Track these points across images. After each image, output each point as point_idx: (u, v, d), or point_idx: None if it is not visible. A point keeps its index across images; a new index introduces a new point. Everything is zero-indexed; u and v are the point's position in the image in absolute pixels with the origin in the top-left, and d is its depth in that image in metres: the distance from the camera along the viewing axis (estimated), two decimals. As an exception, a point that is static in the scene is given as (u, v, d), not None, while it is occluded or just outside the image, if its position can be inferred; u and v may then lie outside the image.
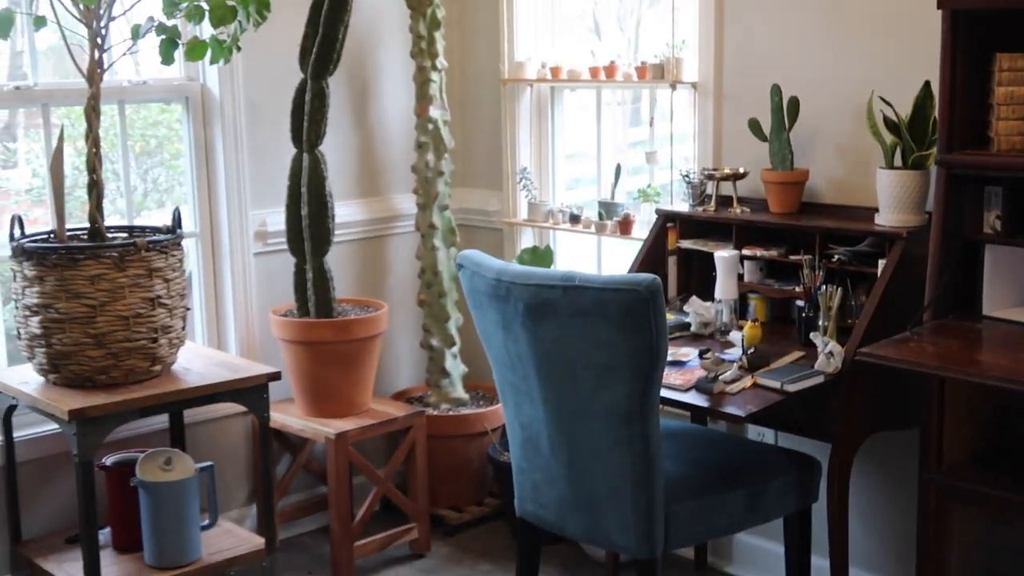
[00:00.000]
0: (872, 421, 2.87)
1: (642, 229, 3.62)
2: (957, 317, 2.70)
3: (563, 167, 4.21)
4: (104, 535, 3.26)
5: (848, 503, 2.86)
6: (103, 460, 3.26)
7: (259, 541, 3.34)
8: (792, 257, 3.10)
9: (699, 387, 2.73)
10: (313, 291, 3.68)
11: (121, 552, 3.27)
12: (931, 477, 2.64)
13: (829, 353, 2.74)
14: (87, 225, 3.17)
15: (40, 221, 3.50)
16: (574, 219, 3.91)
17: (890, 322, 2.73)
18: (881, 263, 2.88)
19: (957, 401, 2.64)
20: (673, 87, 3.60)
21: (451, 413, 3.96)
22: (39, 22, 3.16)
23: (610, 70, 3.76)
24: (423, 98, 3.92)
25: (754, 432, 3.37)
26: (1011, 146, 2.57)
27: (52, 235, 3.16)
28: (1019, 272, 2.71)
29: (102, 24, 3.07)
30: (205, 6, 3.16)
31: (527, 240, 4.15)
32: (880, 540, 3.23)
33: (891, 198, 2.92)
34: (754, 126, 3.25)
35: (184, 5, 3.16)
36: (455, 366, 4.04)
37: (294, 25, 3.65)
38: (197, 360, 3.37)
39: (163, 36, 3.14)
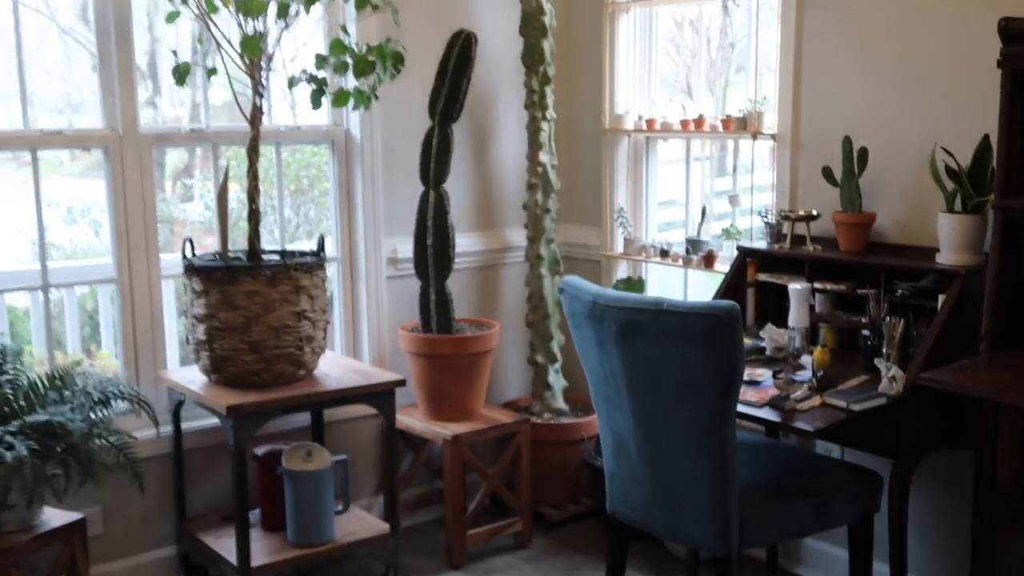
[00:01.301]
0: (930, 440, 2.79)
1: (724, 264, 3.59)
2: (1010, 349, 2.61)
3: (655, 211, 4.19)
4: (254, 515, 3.33)
5: (907, 515, 2.79)
6: (255, 450, 3.33)
7: (384, 527, 3.39)
8: (859, 291, 3.04)
9: (772, 404, 2.69)
10: (435, 311, 3.72)
11: (268, 530, 3.34)
12: (984, 494, 2.58)
13: (892, 377, 2.69)
14: (246, 248, 3.26)
15: (210, 246, 3.59)
16: (664, 253, 3.89)
17: (948, 352, 2.67)
18: (941, 298, 2.81)
19: (1009, 426, 2.57)
20: (755, 138, 3.57)
21: (552, 422, 3.96)
22: (211, 72, 3.28)
23: (699, 123, 3.74)
24: (534, 144, 3.95)
25: (822, 447, 3.30)
26: (1065, 194, 2.49)
27: (217, 256, 3.25)
28: (1070, 309, 2.62)
29: (263, 75, 3.16)
30: (349, 60, 3.24)
31: (622, 271, 4.14)
32: (936, 550, 3.14)
33: (951, 239, 2.85)
34: (827, 173, 3.20)
35: (332, 59, 3.25)
36: (557, 380, 4.04)
37: (425, 78, 3.70)
38: (336, 367, 3.43)
39: (313, 86, 3.23)
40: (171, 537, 3.48)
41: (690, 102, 3.96)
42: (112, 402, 3.00)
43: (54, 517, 2.95)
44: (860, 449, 2.97)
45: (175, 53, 3.15)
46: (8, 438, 2.66)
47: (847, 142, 3.13)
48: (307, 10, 3.14)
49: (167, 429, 3.38)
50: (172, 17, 3.10)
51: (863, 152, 3.13)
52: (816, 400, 2.69)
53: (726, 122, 3.64)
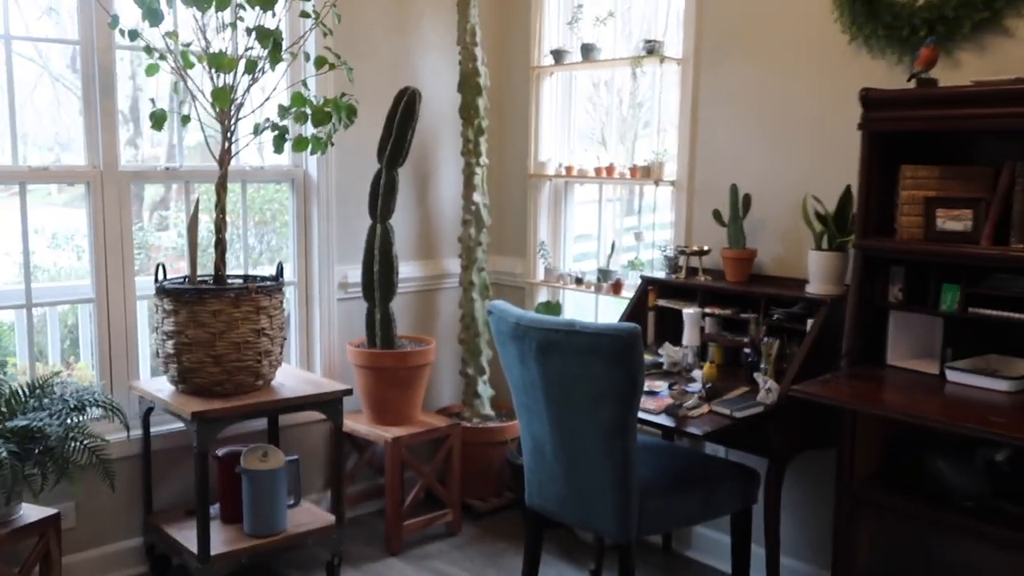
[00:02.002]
0: (800, 442, 2.85)
1: (629, 291, 3.63)
2: (867, 365, 2.68)
3: (572, 244, 4.23)
4: (214, 509, 3.27)
5: (780, 505, 2.84)
6: (216, 452, 3.27)
7: (331, 519, 3.34)
8: (742, 315, 3.10)
9: (668, 412, 2.72)
10: (380, 329, 3.70)
11: (226, 523, 3.27)
12: (844, 488, 2.62)
13: (768, 389, 2.74)
14: (213, 272, 3.21)
15: (182, 270, 3.54)
16: (578, 281, 3.92)
17: (815, 367, 2.73)
18: (809, 322, 2.88)
19: (866, 429, 2.63)
20: (657, 184, 3.62)
21: (480, 426, 3.96)
22: (185, 120, 3.24)
23: (610, 170, 3.78)
24: (469, 186, 3.96)
25: (710, 448, 3.35)
26: (911, 236, 2.56)
27: (186, 279, 3.20)
28: (915, 332, 2.70)
29: (232, 122, 3.13)
30: (309, 111, 3.23)
31: (543, 296, 4.16)
32: (804, 534, 3.19)
33: (818, 273, 2.93)
34: (716, 215, 3.26)
35: (293, 110, 3.23)
36: (485, 390, 4.04)
37: (374, 127, 3.70)
38: (290, 378, 3.38)
39: (276, 132, 3.21)
40: (139, 529, 3.40)
41: (604, 151, 4.01)
42: (87, 409, 2.93)
43: (31, 512, 2.86)
44: (742, 450, 3.01)
45: (153, 101, 3.11)
46: (-9, 440, 2.58)
47: (734, 189, 3.20)
48: (272, 67, 3.12)
49: (137, 433, 3.30)
50: (152, 70, 3.05)
51: (747, 198, 3.20)
52: (705, 408, 2.73)
53: (633, 170, 3.69)
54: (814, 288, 2.93)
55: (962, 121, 2.41)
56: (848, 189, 2.89)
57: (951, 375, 2.52)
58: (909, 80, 2.63)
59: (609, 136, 4.05)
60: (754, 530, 2.97)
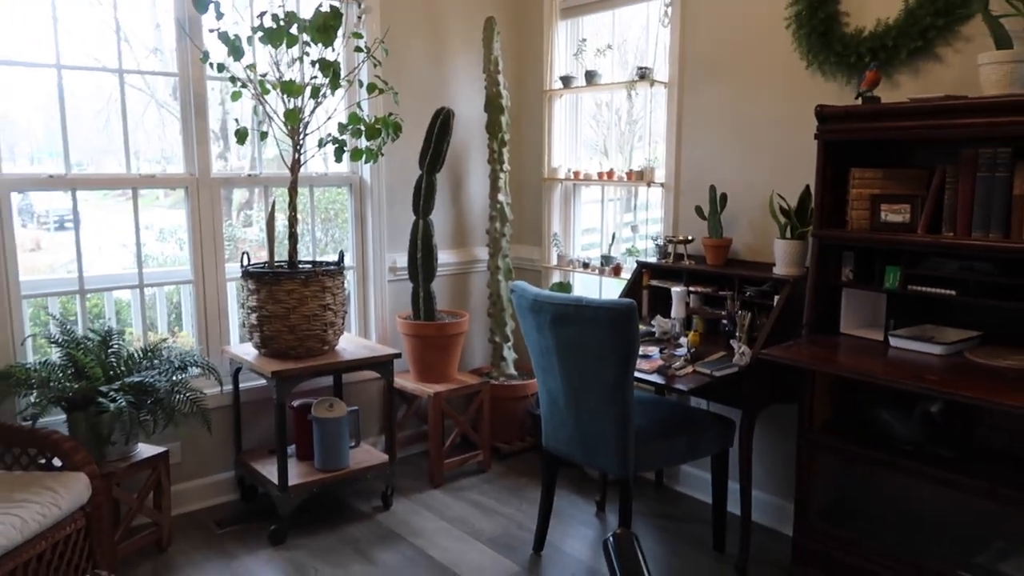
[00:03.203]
0: (768, 397, 2.81)
1: (627, 273, 3.60)
2: (823, 334, 2.64)
3: (580, 235, 4.19)
4: (291, 449, 3.29)
5: (752, 448, 2.80)
6: (291, 403, 3.29)
7: (384, 457, 3.35)
8: (720, 292, 3.06)
9: (659, 371, 2.69)
10: (423, 304, 3.69)
11: (301, 460, 3.29)
12: (804, 435, 2.60)
13: (742, 353, 2.71)
14: (287, 259, 3.22)
15: (262, 258, 3.55)
16: (585, 265, 3.89)
17: (781, 335, 2.69)
18: (776, 298, 2.84)
19: (822, 386, 2.60)
20: (649, 185, 3.58)
21: (506, 383, 3.94)
22: (263, 136, 3.23)
23: (610, 174, 3.74)
24: (494, 188, 3.93)
25: (694, 402, 3.32)
26: (860, 226, 2.51)
27: (266, 264, 3.21)
28: (864, 306, 2.65)
29: (300, 138, 3.12)
30: (363, 128, 3.21)
31: (556, 277, 4.13)
32: (772, 473, 3.16)
33: (783, 257, 2.88)
34: (698, 210, 3.22)
35: (350, 127, 3.21)
36: (509, 354, 4.03)
37: (416, 140, 3.68)
38: (351, 344, 3.39)
39: (336, 145, 3.20)
40: (231, 464, 3.43)
41: (606, 159, 3.97)
42: (189, 368, 2.95)
43: (145, 450, 2.90)
44: (720, 403, 2.98)
45: (237, 121, 3.10)
46: (113, 393, 2.60)
47: (712, 189, 3.15)
48: (332, 92, 3.10)
49: (228, 388, 3.33)
50: (236, 96, 3.05)
51: (723, 196, 3.15)
52: (689, 369, 2.70)
53: (629, 174, 3.65)
54: (780, 270, 2.89)
55: (901, 131, 2.35)
56: (807, 188, 2.84)
57: (894, 341, 2.47)
58: (856, 98, 2.56)
59: (610, 146, 4.00)
60: (730, 469, 2.95)
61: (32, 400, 2.67)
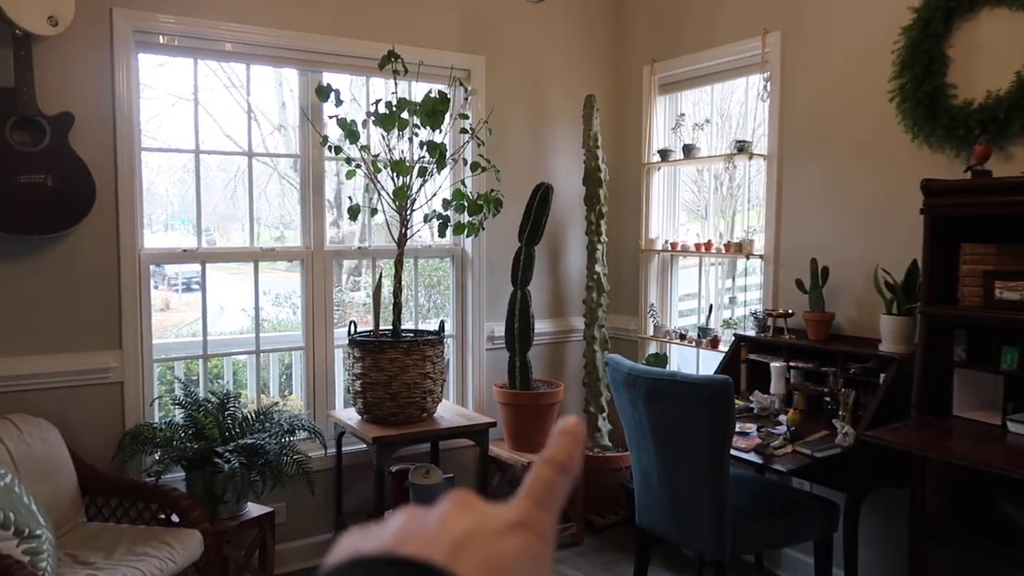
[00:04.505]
0: (874, 480, 2.69)
1: (725, 346, 3.55)
2: (932, 415, 2.53)
3: (677, 304, 4.19)
4: (389, 514, 3.36)
5: (857, 534, 2.68)
6: (390, 468, 3.37)
7: (478, 525, 3.37)
8: (822, 368, 2.98)
9: (757, 450, 2.64)
10: (519, 374, 3.75)
11: (397, 524, 3.35)
12: (916, 521, 2.46)
13: (846, 433, 2.62)
14: (392, 327, 3.36)
15: (368, 323, 3.72)
16: (682, 337, 3.87)
17: (887, 415, 2.60)
18: (882, 376, 2.74)
19: (933, 471, 2.46)
20: (747, 257, 3.55)
21: (600, 454, 3.92)
22: (373, 212, 3.43)
23: (708, 245, 3.74)
24: (591, 259, 3.99)
25: (795, 483, 3.20)
26: (972, 304, 2.42)
27: (371, 333, 3.36)
28: (978, 387, 2.53)
29: (407, 212, 3.29)
30: (465, 204, 3.36)
31: (652, 348, 4.12)
32: (880, 561, 2.99)
33: (890, 333, 2.79)
34: (799, 283, 3.17)
35: (454, 203, 3.37)
36: (604, 425, 4.01)
37: (516, 214, 3.79)
38: (448, 411, 3.46)
39: (440, 221, 3.35)
40: (332, 526, 3.53)
41: (705, 223, 3.97)
42: (296, 431, 3.10)
43: (253, 509, 3.03)
44: (823, 485, 2.87)
45: (351, 199, 3.32)
46: (227, 454, 2.77)
47: (813, 262, 3.11)
48: (439, 171, 3.27)
49: (332, 451, 3.45)
50: (351, 175, 3.27)
51: (825, 269, 3.10)
52: (789, 448, 2.64)
53: (728, 246, 3.63)
54: (886, 347, 2.79)
55: (1014, 206, 2.28)
56: (915, 262, 2.76)
57: (1012, 427, 2.34)
58: (966, 171, 2.50)
59: (710, 211, 4.02)
60: (835, 554, 2.82)
61: (156, 458, 2.88)
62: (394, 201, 3.24)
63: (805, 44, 3.25)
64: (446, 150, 3.23)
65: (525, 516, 0.36)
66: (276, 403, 3.28)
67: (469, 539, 0.33)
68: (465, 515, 0.34)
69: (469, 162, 3.41)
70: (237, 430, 3.00)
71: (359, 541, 0.34)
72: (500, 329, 3.87)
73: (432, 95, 3.13)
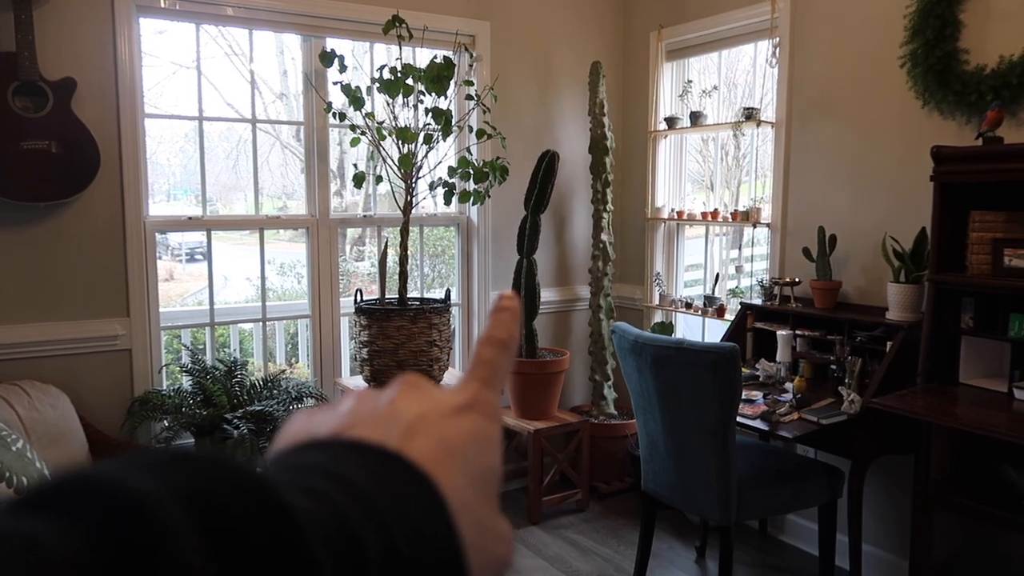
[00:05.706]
0: (879, 447, 2.72)
1: (731, 314, 3.56)
2: (940, 383, 2.54)
3: (682, 273, 4.19)
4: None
5: (862, 500, 2.71)
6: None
7: (485, 491, 3.41)
8: (828, 337, 2.99)
9: (763, 417, 2.66)
10: (525, 342, 3.77)
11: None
12: (920, 488, 2.49)
13: (852, 401, 2.64)
14: (397, 295, 3.37)
15: (374, 292, 3.73)
16: (688, 305, 3.88)
17: (893, 383, 2.61)
18: (888, 344, 2.75)
19: (938, 438, 2.48)
20: (754, 226, 3.55)
21: (605, 422, 3.96)
22: (378, 180, 3.42)
23: (715, 214, 3.73)
24: (597, 228, 3.99)
25: (800, 449, 3.23)
26: (980, 271, 2.42)
27: (377, 301, 3.37)
28: (984, 354, 2.54)
29: (412, 180, 3.29)
30: (471, 171, 3.35)
31: (657, 317, 4.13)
32: (883, 526, 3.03)
33: (897, 302, 2.79)
34: (806, 252, 3.17)
35: (459, 170, 3.36)
36: (609, 393, 4.04)
37: (522, 182, 3.79)
38: (454, 380, 3.47)
39: (446, 188, 3.35)
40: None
41: (711, 194, 3.96)
42: (304, 398, 3.13)
43: (263, 475, 3.07)
44: (828, 451, 2.90)
45: (355, 166, 3.31)
46: (236, 421, 2.80)
47: (821, 230, 3.10)
48: (444, 139, 3.26)
49: (340, 418, 3.48)
50: (355, 142, 3.26)
51: (832, 238, 3.09)
52: (795, 415, 2.66)
53: (734, 214, 3.62)
54: (893, 315, 2.80)
55: (1027, 173, 2.27)
56: (923, 230, 2.76)
57: (1019, 394, 2.35)
58: (977, 138, 2.49)
59: (715, 181, 4.00)
60: (839, 521, 2.86)
61: (165, 424, 2.91)
62: (399, 169, 3.23)
63: (815, 8, 3.21)
64: (451, 117, 3.21)
65: (472, 398, 0.37)
66: (283, 371, 3.31)
67: (420, 422, 0.34)
68: (415, 399, 0.35)
69: (475, 129, 3.39)
70: (245, 397, 3.03)
71: (309, 424, 0.35)
72: (506, 298, 3.87)
73: (437, 60, 3.10)
